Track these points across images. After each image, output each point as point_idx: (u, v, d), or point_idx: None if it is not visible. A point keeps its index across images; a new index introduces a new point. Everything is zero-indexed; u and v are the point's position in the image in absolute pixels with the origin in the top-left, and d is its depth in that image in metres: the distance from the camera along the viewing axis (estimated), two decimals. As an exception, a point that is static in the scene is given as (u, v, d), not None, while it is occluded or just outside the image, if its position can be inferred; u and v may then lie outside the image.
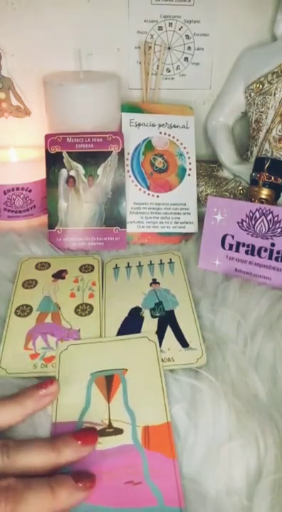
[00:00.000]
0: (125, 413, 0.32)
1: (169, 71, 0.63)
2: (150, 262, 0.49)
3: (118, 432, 0.31)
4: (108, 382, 0.34)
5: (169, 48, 0.61)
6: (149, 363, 0.36)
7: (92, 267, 0.48)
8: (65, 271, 0.47)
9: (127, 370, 0.35)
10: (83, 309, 0.42)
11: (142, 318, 0.41)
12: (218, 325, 0.41)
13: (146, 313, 0.42)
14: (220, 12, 0.59)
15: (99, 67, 0.60)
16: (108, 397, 0.33)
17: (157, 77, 0.61)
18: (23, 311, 0.42)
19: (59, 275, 0.47)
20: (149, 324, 0.41)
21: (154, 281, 0.46)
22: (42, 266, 0.48)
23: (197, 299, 0.44)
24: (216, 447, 0.30)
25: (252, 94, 0.57)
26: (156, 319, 0.41)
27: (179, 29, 0.60)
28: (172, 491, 0.28)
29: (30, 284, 0.46)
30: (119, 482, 0.28)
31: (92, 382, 0.34)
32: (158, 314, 0.42)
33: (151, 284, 0.46)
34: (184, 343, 0.39)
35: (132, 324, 0.41)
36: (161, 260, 0.49)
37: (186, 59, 0.62)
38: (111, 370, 0.35)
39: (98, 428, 0.31)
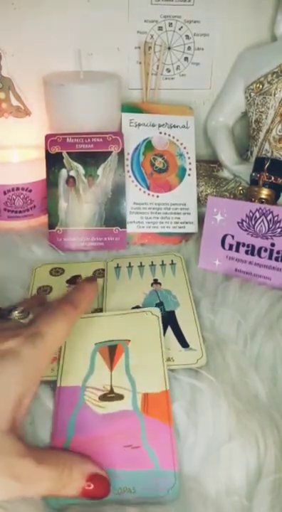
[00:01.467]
0: (126, 380, 0.34)
1: (169, 71, 0.63)
2: (152, 262, 0.49)
3: (119, 397, 0.33)
4: (111, 351, 0.36)
5: (169, 48, 0.61)
6: (151, 335, 0.37)
7: (104, 270, 0.49)
8: (79, 276, 0.47)
9: (129, 340, 0.37)
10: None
11: None
12: (218, 325, 0.41)
13: None
14: (220, 12, 0.59)
15: (99, 67, 0.60)
16: (111, 365, 0.35)
17: (157, 77, 0.61)
18: None
19: (73, 281, 0.47)
20: None
21: (156, 282, 0.46)
22: (56, 272, 0.48)
23: (197, 299, 0.44)
24: (216, 447, 0.30)
25: (252, 94, 0.57)
26: None
27: (179, 29, 0.60)
28: (167, 456, 0.29)
29: (45, 290, 0.45)
30: (119, 445, 0.30)
31: (96, 351, 0.36)
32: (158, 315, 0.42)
33: (152, 284, 0.46)
34: (185, 344, 0.39)
35: None
36: (162, 261, 0.49)
37: (186, 59, 0.62)
38: (115, 340, 0.37)
39: (100, 394, 0.33)
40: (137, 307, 0.43)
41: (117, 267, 0.49)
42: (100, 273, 0.48)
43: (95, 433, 0.30)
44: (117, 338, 0.37)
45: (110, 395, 0.33)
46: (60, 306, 0.33)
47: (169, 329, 0.40)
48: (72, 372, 0.34)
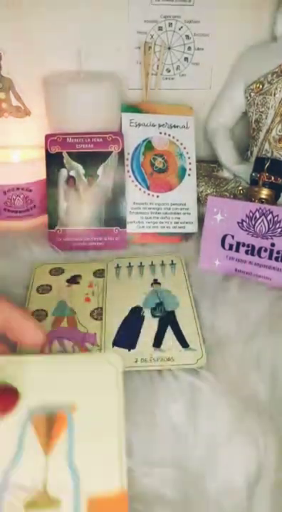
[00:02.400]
0: (68, 474, 0.23)
1: (169, 71, 0.63)
2: (152, 262, 0.49)
3: (54, 503, 0.22)
4: (49, 423, 0.25)
5: (169, 48, 0.61)
6: (107, 397, 0.26)
7: (103, 271, 0.48)
8: (79, 276, 0.47)
9: (76, 406, 0.26)
10: (99, 313, 0.42)
11: (142, 318, 0.41)
12: (218, 325, 0.41)
13: (147, 313, 0.42)
14: (220, 12, 0.59)
15: (99, 67, 0.60)
16: (47, 446, 0.24)
17: (157, 77, 0.61)
18: (39, 315, 0.42)
19: (73, 280, 0.47)
20: (150, 324, 0.41)
21: (156, 282, 0.46)
22: (56, 271, 0.48)
23: (197, 299, 0.44)
24: (216, 447, 0.30)
25: (252, 94, 0.57)
26: (156, 319, 0.41)
27: (179, 29, 0.60)
28: None
29: (45, 289, 0.45)
30: None
31: (28, 421, 0.25)
32: (159, 314, 0.42)
33: (152, 284, 0.46)
34: (185, 344, 0.39)
35: (132, 323, 0.41)
36: (162, 261, 0.49)
37: (186, 59, 0.62)
38: (55, 405, 0.26)
39: (27, 497, 0.22)
40: (138, 307, 0.43)
41: (118, 267, 0.49)
42: (101, 273, 0.48)
43: None
44: (60, 401, 0.26)
45: (42, 500, 0.22)
46: None
47: (169, 329, 0.40)
48: None
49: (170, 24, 0.59)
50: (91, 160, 0.53)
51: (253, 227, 0.46)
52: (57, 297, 0.44)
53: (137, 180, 0.55)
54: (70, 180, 0.53)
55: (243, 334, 0.40)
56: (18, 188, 0.55)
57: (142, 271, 0.48)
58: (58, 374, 0.28)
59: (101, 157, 0.53)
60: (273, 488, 0.28)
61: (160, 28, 0.60)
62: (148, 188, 0.55)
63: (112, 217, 0.53)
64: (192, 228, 0.55)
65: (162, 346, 0.38)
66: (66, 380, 0.27)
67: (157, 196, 0.55)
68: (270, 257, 0.46)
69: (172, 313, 0.42)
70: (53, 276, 0.47)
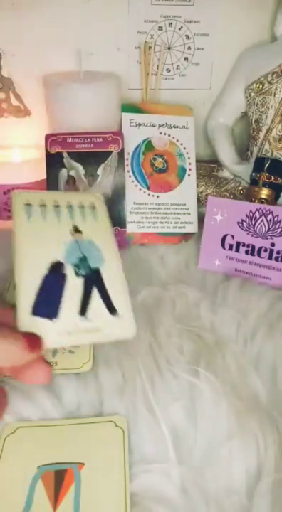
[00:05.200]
0: None
1: (169, 71, 0.63)
2: (69, 204, 0.37)
3: None
4: (58, 479, 0.28)
5: (169, 48, 0.61)
6: (113, 456, 0.29)
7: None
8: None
9: (84, 464, 0.28)
10: None
11: (64, 277, 0.32)
12: (218, 325, 0.41)
13: (69, 271, 0.32)
14: (220, 12, 0.59)
15: (99, 67, 0.60)
16: (55, 501, 0.26)
17: (157, 77, 0.61)
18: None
19: None
20: (74, 285, 0.31)
21: (76, 230, 0.35)
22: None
23: (197, 299, 0.44)
24: (216, 447, 0.30)
25: (252, 94, 0.57)
26: (81, 280, 0.32)
27: (179, 29, 0.60)
28: None
29: None
30: None
31: (38, 478, 0.28)
32: (83, 273, 0.33)
33: (72, 233, 0.35)
34: (112, 309, 0.31)
35: (52, 285, 0.31)
36: (81, 203, 0.38)
37: (186, 59, 0.62)
38: (64, 463, 0.28)
39: None
40: (58, 263, 0.33)
41: (28, 205, 0.36)
42: None
43: None
44: (68, 460, 0.28)
45: None
46: None
47: (95, 291, 0.32)
48: (2, 506, 0.26)
49: (170, 24, 0.59)
50: (91, 160, 0.53)
51: (253, 227, 0.46)
52: None
53: (137, 180, 0.55)
54: (70, 180, 0.53)
55: (243, 334, 0.40)
56: (18, 188, 0.55)
57: (58, 213, 0.36)
58: (67, 435, 0.30)
59: (101, 157, 0.53)
60: (273, 487, 0.28)
61: (160, 28, 0.60)
62: (148, 188, 0.55)
63: (112, 217, 0.52)
64: (192, 228, 0.55)
65: (88, 313, 0.30)
66: (75, 441, 0.29)
67: (157, 196, 0.55)
68: (270, 257, 0.46)
69: (97, 272, 0.33)
70: None
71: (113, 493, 0.27)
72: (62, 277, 0.32)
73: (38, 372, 0.26)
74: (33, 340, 0.25)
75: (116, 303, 0.31)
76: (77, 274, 0.32)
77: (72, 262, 0.33)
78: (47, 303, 0.30)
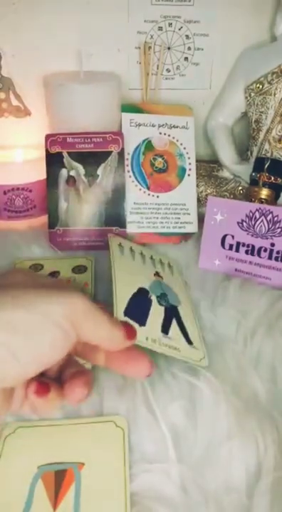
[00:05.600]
0: None
1: (169, 71, 0.63)
2: (151, 256, 0.48)
3: None
4: (58, 479, 0.27)
5: (169, 48, 0.61)
6: (113, 456, 0.29)
7: (85, 268, 0.48)
8: (57, 272, 0.47)
9: (83, 464, 0.28)
10: None
11: (150, 301, 0.39)
12: (219, 325, 0.41)
13: (153, 298, 0.40)
14: (220, 12, 0.59)
15: (99, 67, 0.60)
16: (55, 500, 0.26)
17: (157, 77, 0.61)
18: None
19: (51, 276, 0.47)
20: (157, 309, 0.39)
21: (158, 274, 0.44)
22: (35, 267, 0.48)
23: (197, 299, 0.44)
24: (215, 446, 0.30)
25: (252, 94, 0.57)
26: (163, 308, 0.39)
27: (179, 29, 0.60)
28: None
29: None
30: None
31: (38, 478, 0.28)
32: (164, 304, 0.40)
33: (155, 275, 0.44)
34: (189, 341, 0.38)
35: (141, 302, 0.38)
36: (160, 260, 0.49)
37: (186, 59, 0.62)
38: (64, 463, 0.28)
39: None
40: (144, 290, 0.40)
41: (120, 246, 0.46)
42: (80, 269, 0.48)
43: None
44: (68, 460, 0.28)
45: None
46: None
47: (175, 322, 0.39)
48: (3, 506, 0.26)
49: (170, 24, 0.60)
50: (91, 160, 0.53)
51: (253, 227, 0.46)
52: None
53: (137, 180, 0.55)
54: (70, 180, 0.53)
55: (243, 334, 0.40)
56: (18, 188, 0.55)
57: (143, 259, 0.46)
58: (68, 435, 0.30)
59: (101, 157, 0.53)
60: (272, 486, 0.28)
61: (160, 28, 0.60)
62: (148, 188, 0.55)
63: (112, 217, 0.53)
64: (192, 228, 0.55)
65: (169, 334, 0.37)
66: (75, 441, 0.29)
67: (157, 196, 0.55)
68: (270, 257, 0.46)
69: (176, 309, 0.40)
70: None
71: (113, 494, 0.27)
72: (148, 300, 0.39)
73: (140, 365, 0.26)
74: (130, 330, 0.26)
75: (191, 337, 0.37)
76: (160, 303, 0.39)
77: (156, 294, 0.40)
78: (136, 312, 0.36)
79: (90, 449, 0.29)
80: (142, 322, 0.36)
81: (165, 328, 0.37)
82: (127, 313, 0.36)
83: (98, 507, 0.26)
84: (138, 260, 0.44)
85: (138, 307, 0.37)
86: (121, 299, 0.37)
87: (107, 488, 0.27)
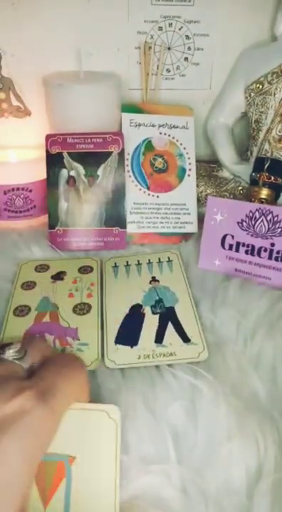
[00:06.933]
0: None
1: (169, 71, 0.63)
2: (149, 260, 0.50)
3: None
4: (49, 472, 0.26)
5: (169, 48, 0.61)
6: (105, 450, 0.27)
7: (91, 268, 0.49)
8: (64, 272, 0.48)
9: (74, 458, 0.26)
10: (81, 308, 0.43)
11: (142, 315, 0.42)
12: (219, 325, 0.41)
13: (147, 310, 0.42)
14: (220, 12, 0.59)
15: (99, 67, 0.60)
16: (47, 496, 0.25)
17: (157, 78, 0.61)
18: (22, 311, 0.42)
19: (58, 277, 0.47)
20: (151, 320, 0.41)
21: (154, 279, 0.47)
22: (41, 268, 0.48)
23: (197, 299, 0.44)
24: (215, 447, 0.30)
25: (252, 94, 0.57)
26: (157, 316, 0.42)
27: (179, 29, 0.60)
28: None
29: (29, 285, 0.46)
30: None
31: None
32: (159, 311, 0.42)
33: (150, 282, 0.46)
34: (186, 338, 0.39)
35: (133, 321, 0.41)
36: (159, 259, 0.50)
37: (186, 59, 0.62)
38: (55, 454, 0.26)
39: None
40: (137, 305, 0.43)
41: (115, 266, 0.49)
42: (86, 269, 0.48)
43: None
44: (59, 452, 0.26)
45: None
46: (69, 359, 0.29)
47: (170, 325, 0.41)
48: None
49: (170, 24, 0.59)
50: (91, 160, 0.53)
51: (253, 227, 0.46)
52: (41, 293, 0.45)
53: (137, 180, 0.55)
54: (71, 180, 0.53)
55: (243, 334, 0.40)
56: (18, 188, 0.55)
57: (139, 269, 0.48)
58: (60, 425, 0.27)
59: (101, 157, 0.53)
60: (273, 488, 0.28)
61: (160, 28, 0.60)
62: (148, 188, 0.55)
63: (112, 217, 0.53)
64: (192, 228, 0.55)
65: (163, 342, 0.39)
66: (66, 433, 0.27)
67: (157, 196, 0.55)
68: (270, 257, 0.46)
69: (172, 309, 0.42)
70: (38, 273, 0.48)
71: (103, 489, 0.26)
72: (141, 315, 0.42)
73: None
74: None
75: (189, 333, 0.39)
76: (153, 312, 0.42)
77: (149, 304, 0.43)
78: (128, 335, 0.40)
79: (81, 442, 0.27)
80: (134, 342, 0.39)
81: (159, 337, 0.39)
82: (117, 340, 0.39)
83: (89, 503, 0.25)
84: (133, 274, 0.48)
85: (130, 328, 0.40)
86: (111, 331, 0.40)
87: (98, 483, 0.26)
